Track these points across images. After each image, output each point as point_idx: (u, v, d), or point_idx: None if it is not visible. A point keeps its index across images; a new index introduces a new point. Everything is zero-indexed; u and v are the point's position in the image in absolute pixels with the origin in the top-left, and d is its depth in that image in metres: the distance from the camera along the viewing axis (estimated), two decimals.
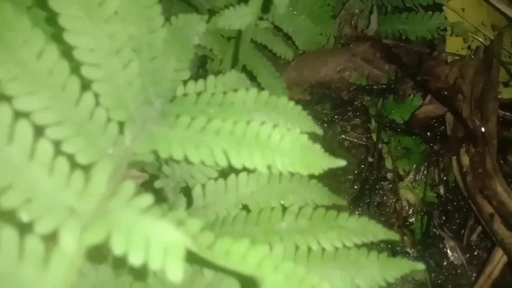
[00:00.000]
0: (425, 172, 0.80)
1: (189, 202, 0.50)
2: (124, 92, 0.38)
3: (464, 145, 0.71)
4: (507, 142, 0.77)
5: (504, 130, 0.79)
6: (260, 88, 0.80)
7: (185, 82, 0.51)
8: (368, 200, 0.82)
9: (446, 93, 0.73)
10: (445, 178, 0.78)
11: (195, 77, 0.81)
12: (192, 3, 0.71)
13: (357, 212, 0.83)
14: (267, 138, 0.43)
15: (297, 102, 0.93)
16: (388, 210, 0.81)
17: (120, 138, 0.35)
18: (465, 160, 0.71)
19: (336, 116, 0.93)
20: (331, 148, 0.93)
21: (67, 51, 0.34)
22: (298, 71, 0.91)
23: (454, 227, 0.77)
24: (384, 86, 0.89)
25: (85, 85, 0.35)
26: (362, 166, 0.88)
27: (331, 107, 0.93)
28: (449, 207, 0.77)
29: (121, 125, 0.36)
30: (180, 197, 0.50)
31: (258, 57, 0.80)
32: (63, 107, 0.31)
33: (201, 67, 0.77)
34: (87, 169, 0.30)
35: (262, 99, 0.49)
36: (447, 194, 0.77)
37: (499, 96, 0.90)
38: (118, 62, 0.37)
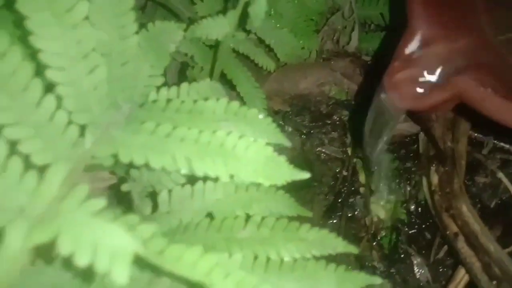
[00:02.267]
0: (396, 188, 0.82)
1: (155, 207, 0.51)
2: (88, 96, 0.38)
3: (434, 164, 0.73)
4: (477, 163, 0.78)
5: (476, 151, 0.81)
6: (239, 97, 0.81)
7: (158, 88, 0.52)
8: (340, 213, 0.83)
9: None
10: (415, 195, 0.79)
11: (176, 83, 0.82)
12: (174, 10, 0.72)
13: (329, 223, 0.84)
14: (232, 147, 0.44)
15: (277, 112, 0.95)
16: (358, 223, 0.83)
17: (80, 140, 0.36)
18: (434, 178, 0.72)
19: (314, 129, 0.94)
20: (308, 159, 0.94)
21: (33, 54, 0.35)
22: (279, 82, 0.92)
23: (422, 244, 0.78)
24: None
25: (49, 88, 0.35)
26: (338, 177, 0.89)
27: (310, 120, 0.94)
28: (418, 224, 0.78)
29: (82, 128, 0.37)
30: (146, 201, 0.51)
31: (238, 66, 0.81)
32: (23, 109, 0.32)
33: (181, 73, 0.78)
34: (42, 170, 0.31)
35: (231, 109, 0.50)
36: (417, 211, 0.79)
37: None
38: (84, 67, 0.38)
